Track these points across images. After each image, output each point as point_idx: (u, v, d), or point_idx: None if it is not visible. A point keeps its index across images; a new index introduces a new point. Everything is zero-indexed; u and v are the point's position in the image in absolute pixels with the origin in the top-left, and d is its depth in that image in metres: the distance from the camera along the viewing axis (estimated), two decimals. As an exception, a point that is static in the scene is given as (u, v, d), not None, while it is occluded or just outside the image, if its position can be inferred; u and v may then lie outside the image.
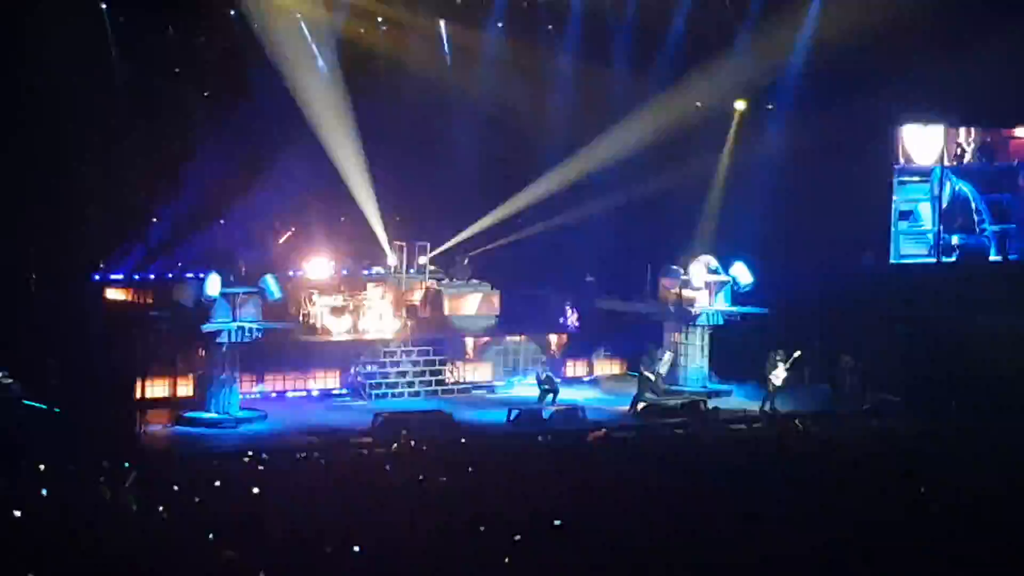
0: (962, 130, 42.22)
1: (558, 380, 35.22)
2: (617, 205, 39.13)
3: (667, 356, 35.72)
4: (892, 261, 40.89)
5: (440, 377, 35.73)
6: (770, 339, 35.68)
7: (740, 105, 39.87)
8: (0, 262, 33.96)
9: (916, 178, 41.14)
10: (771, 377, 34.30)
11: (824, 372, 36.86)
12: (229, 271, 32.59)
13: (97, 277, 34.90)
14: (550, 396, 34.08)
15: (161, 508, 21.66)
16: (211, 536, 19.71)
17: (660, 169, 39.28)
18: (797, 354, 34.61)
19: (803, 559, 19.73)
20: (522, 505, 22.17)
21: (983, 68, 37.31)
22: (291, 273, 36.45)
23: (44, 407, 30.20)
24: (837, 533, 21.01)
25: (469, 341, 37.09)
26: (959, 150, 42.32)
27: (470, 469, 25.41)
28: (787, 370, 34.30)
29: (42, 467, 24.52)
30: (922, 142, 41.19)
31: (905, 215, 40.97)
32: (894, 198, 40.66)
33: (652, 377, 34.62)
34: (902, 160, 40.92)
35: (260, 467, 26.02)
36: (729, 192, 39.54)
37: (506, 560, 19.19)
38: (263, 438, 30.31)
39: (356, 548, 19.13)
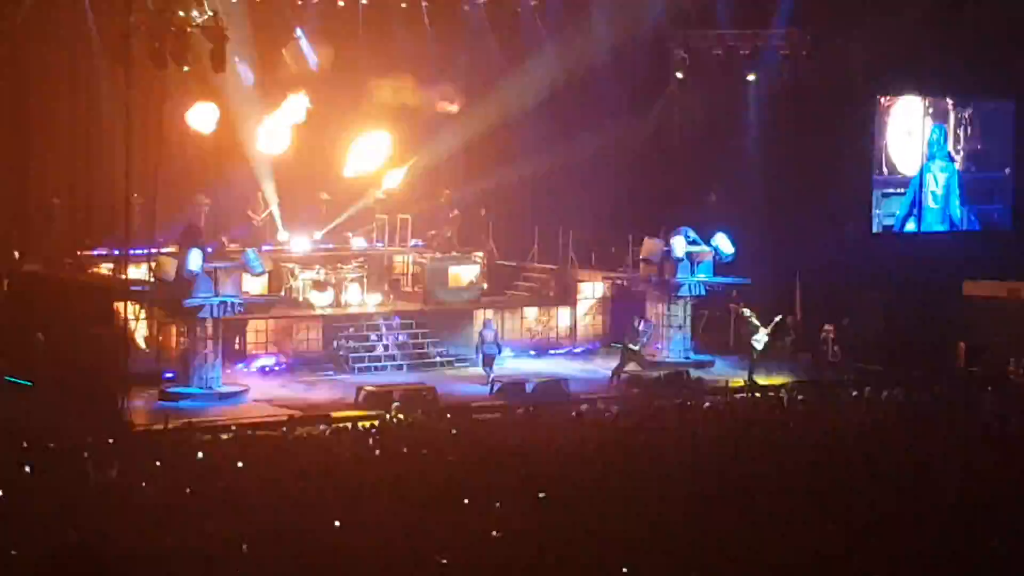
0: (951, 137, 42.22)
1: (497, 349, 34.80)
2: (597, 176, 39.24)
3: (642, 325, 35.64)
4: (873, 231, 41.03)
5: (423, 350, 35.71)
6: (753, 309, 35.87)
7: (752, 77, 39.70)
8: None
9: (900, 190, 41.16)
10: (752, 342, 34.40)
11: (806, 342, 36.97)
12: (211, 246, 32.58)
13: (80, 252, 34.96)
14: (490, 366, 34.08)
15: (144, 483, 21.71)
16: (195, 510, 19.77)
17: (643, 139, 39.41)
18: (777, 319, 34.75)
19: (789, 529, 19.81)
20: (506, 478, 22.24)
21: (961, 40, 37.47)
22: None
23: (28, 383, 30.25)
24: (822, 502, 21.11)
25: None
26: (948, 158, 42.45)
27: (453, 439, 25.50)
28: (768, 335, 34.38)
29: (24, 444, 24.57)
30: (907, 150, 41.20)
31: (888, 228, 41.07)
32: (876, 211, 40.68)
33: (635, 349, 34.69)
34: (885, 171, 40.95)
35: (243, 441, 26.09)
36: (709, 163, 39.57)
37: (493, 533, 19.24)
38: (246, 412, 30.34)
39: (336, 523, 19.15)
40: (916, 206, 41.29)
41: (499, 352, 34.50)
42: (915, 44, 38.23)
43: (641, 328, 35.36)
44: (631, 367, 34.53)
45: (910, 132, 41.40)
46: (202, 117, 36.39)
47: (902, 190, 41.28)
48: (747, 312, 34.87)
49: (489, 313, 35.89)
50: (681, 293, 36.51)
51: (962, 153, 42.46)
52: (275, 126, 37.32)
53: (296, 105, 37.36)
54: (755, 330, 34.40)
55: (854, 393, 31.12)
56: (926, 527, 19.84)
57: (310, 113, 37.31)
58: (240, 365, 33.74)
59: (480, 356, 34.34)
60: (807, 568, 18.52)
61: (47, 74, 35.80)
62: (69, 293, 33.21)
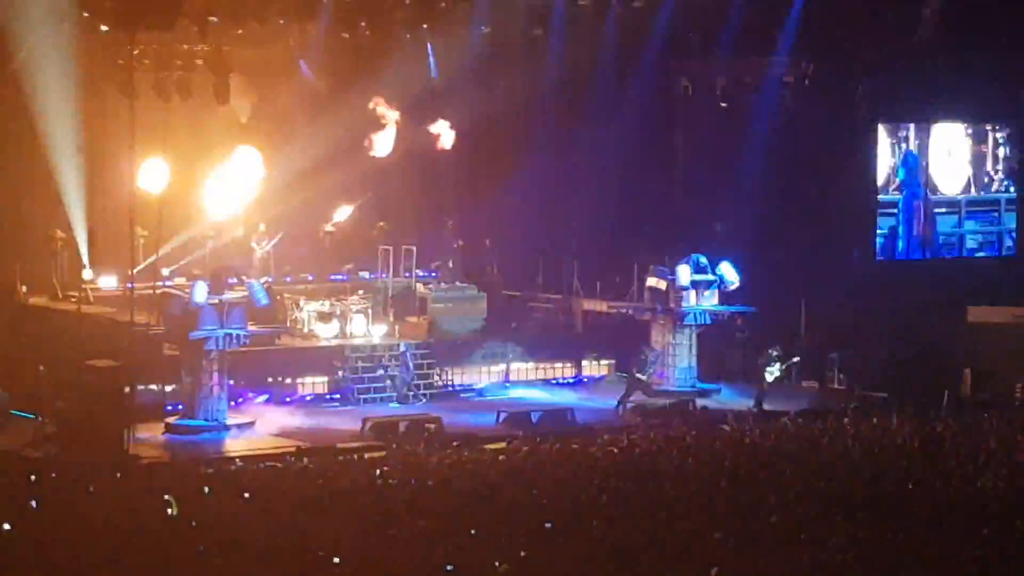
0: (989, 157, 42.34)
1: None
2: (604, 205, 39.24)
3: (653, 356, 35.62)
4: (879, 258, 41.04)
5: (428, 381, 35.65)
6: (759, 337, 35.93)
7: (755, 106, 39.78)
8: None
9: (945, 210, 41.47)
10: (764, 373, 34.40)
11: (811, 370, 36.93)
12: (216, 278, 32.61)
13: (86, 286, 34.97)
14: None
15: (149, 517, 21.65)
16: (200, 545, 19.71)
17: (647, 168, 39.42)
18: (795, 359, 34.84)
19: (795, 558, 19.75)
20: (512, 508, 22.19)
21: (963, 65, 37.56)
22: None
23: (32, 416, 30.24)
24: (828, 530, 21.06)
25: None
26: (986, 179, 42.52)
27: (459, 469, 25.45)
28: (781, 371, 34.41)
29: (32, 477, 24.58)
30: (948, 171, 41.40)
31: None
32: (879, 231, 40.81)
33: (643, 378, 34.67)
34: (928, 192, 41.16)
35: (249, 473, 26.07)
36: (715, 190, 39.56)
37: (497, 564, 19.18)
38: (252, 444, 30.33)
39: (336, 560, 19.06)
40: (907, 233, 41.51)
41: (409, 372, 34.70)
42: (918, 71, 38.30)
43: (648, 357, 35.38)
44: (636, 396, 34.52)
45: (950, 152, 41.62)
46: (153, 174, 35.22)
47: (945, 210, 41.65)
48: (774, 353, 34.71)
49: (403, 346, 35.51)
50: (687, 321, 36.50)
51: (1000, 173, 42.62)
52: (227, 186, 35.88)
53: (246, 160, 35.98)
54: (771, 363, 34.38)
55: (860, 421, 31.06)
56: (933, 556, 19.79)
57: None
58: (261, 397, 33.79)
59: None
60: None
61: (52, 106, 35.80)
62: (74, 326, 33.24)
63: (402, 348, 34.80)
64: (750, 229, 38.41)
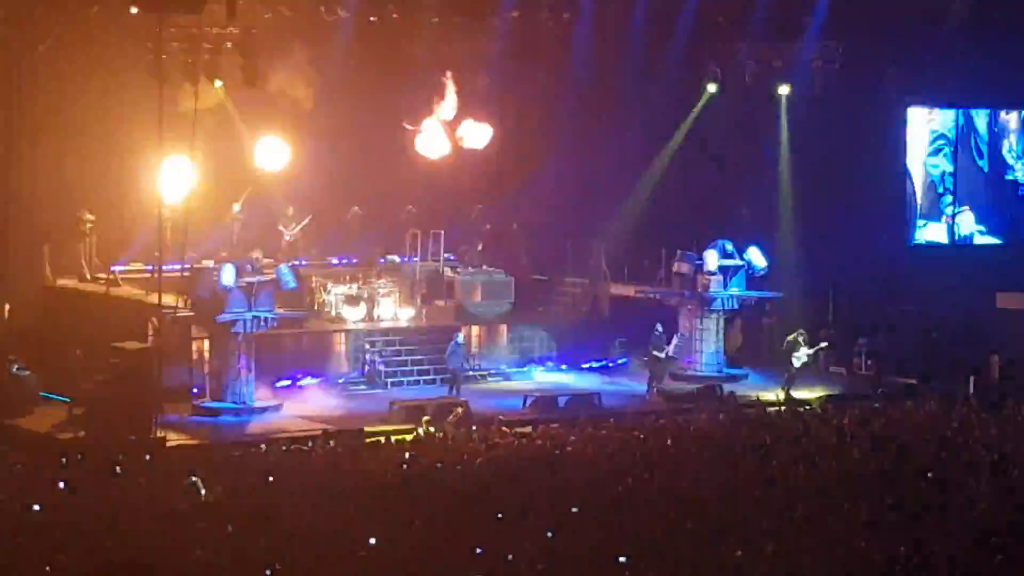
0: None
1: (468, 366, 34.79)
2: (632, 189, 39.20)
3: (675, 338, 35.62)
4: (908, 244, 40.97)
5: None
6: (786, 323, 35.88)
7: (785, 90, 39.58)
8: (20, 255, 34.24)
9: None
10: (792, 359, 34.37)
11: (839, 355, 36.86)
12: (245, 261, 32.68)
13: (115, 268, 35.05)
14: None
15: (177, 499, 21.72)
16: (228, 526, 19.76)
17: (676, 155, 39.36)
18: (824, 344, 34.82)
19: (822, 545, 19.73)
20: (539, 493, 22.21)
21: (995, 50, 37.42)
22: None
23: (64, 399, 30.37)
24: (856, 514, 21.03)
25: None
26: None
27: (486, 453, 25.48)
28: (809, 355, 34.39)
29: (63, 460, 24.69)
30: None
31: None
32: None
33: (660, 356, 34.61)
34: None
35: (275, 456, 26.15)
36: (743, 176, 39.48)
37: (525, 546, 19.19)
38: (279, 427, 30.40)
39: (372, 540, 19.10)
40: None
41: (462, 365, 34.26)
42: (948, 55, 38.15)
43: (674, 340, 35.35)
44: (664, 379, 34.55)
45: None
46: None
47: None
48: (801, 337, 34.67)
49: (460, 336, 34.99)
50: (714, 307, 36.44)
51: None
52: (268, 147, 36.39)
53: (273, 149, 36.40)
54: (798, 348, 34.35)
55: (888, 407, 31.01)
56: (957, 543, 19.74)
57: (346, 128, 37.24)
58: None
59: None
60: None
61: (81, 90, 35.88)
62: (103, 309, 33.34)
63: (460, 340, 34.36)
64: (779, 214, 38.34)
